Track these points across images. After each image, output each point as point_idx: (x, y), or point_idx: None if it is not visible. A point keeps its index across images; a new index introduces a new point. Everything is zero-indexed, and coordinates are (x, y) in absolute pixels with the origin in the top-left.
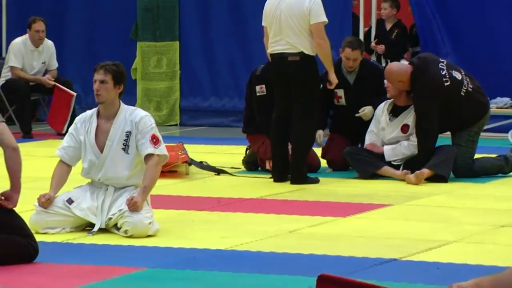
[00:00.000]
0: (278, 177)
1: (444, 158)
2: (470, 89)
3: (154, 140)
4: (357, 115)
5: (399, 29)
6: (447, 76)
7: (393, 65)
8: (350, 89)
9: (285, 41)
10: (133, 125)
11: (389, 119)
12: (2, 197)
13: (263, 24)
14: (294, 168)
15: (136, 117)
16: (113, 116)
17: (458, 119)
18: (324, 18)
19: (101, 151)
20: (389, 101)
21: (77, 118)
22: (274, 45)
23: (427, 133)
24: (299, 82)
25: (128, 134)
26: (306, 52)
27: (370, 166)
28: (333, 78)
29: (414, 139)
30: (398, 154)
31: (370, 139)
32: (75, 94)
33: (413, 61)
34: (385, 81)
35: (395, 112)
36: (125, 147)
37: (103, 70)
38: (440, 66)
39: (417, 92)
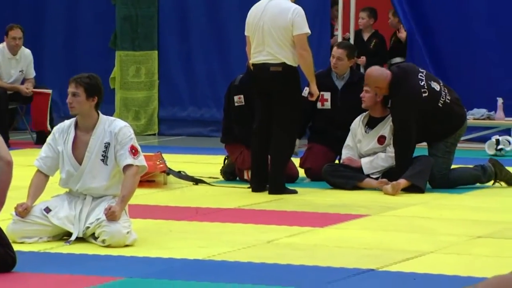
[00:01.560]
0: (256, 187)
1: (421, 169)
2: (448, 101)
3: (133, 151)
4: None
5: (377, 39)
6: (426, 87)
7: (374, 69)
8: (337, 93)
9: (267, 52)
10: (112, 136)
11: (365, 131)
12: None
13: (246, 33)
14: (273, 178)
15: (115, 128)
16: (92, 127)
17: (435, 130)
18: (307, 30)
19: (80, 163)
20: (365, 113)
21: (55, 128)
22: (257, 55)
23: (404, 143)
24: (281, 92)
25: (107, 145)
26: (288, 62)
27: (351, 179)
28: (315, 89)
29: (391, 149)
30: (376, 167)
31: (346, 153)
32: (51, 91)
33: (392, 69)
34: (364, 91)
35: (370, 124)
36: (104, 158)
37: (74, 83)
38: (419, 77)
39: (395, 103)
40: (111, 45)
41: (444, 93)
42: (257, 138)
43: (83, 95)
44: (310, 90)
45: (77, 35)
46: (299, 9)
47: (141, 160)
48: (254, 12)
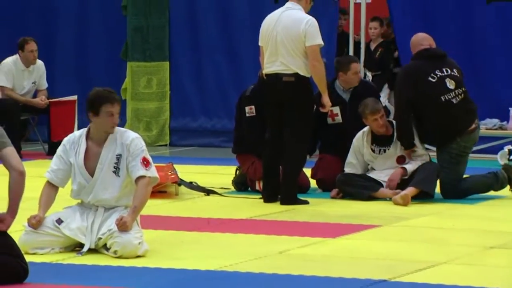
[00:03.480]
0: (268, 198)
1: (426, 174)
2: (454, 102)
3: (145, 163)
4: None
5: (383, 48)
6: (436, 76)
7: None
8: (345, 106)
9: (280, 62)
10: (124, 147)
11: (373, 150)
12: None
13: (259, 43)
14: (285, 189)
15: (127, 139)
16: (104, 139)
17: (429, 127)
18: (319, 41)
19: (91, 175)
20: (366, 130)
21: (65, 139)
22: (270, 65)
23: (398, 120)
24: (293, 103)
25: (119, 157)
26: (301, 73)
27: (366, 189)
28: (327, 101)
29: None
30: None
31: (350, 171)
32: (76, 97)
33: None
34: (379, 118)
35: (376, 141)
36: (116, 170)
37: (116, 103)
38: (438, 67)
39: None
40: (122, 56)
41: (455, 94)
42: (269, 148)
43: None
44: (322, 101)
45: (88, 46)
46: (312, 20)
47: (153, 171)
48: (267, 23)
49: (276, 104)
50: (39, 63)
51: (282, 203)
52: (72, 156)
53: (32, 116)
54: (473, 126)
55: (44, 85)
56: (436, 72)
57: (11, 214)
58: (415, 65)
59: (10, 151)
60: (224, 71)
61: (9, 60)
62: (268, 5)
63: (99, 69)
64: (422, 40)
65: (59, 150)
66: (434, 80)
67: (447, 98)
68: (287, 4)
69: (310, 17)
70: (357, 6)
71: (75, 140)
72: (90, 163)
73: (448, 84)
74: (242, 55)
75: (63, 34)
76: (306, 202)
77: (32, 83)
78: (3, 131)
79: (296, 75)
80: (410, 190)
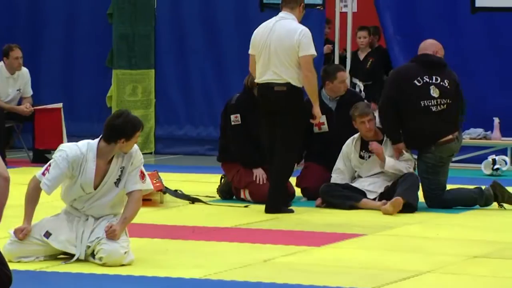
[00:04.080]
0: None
1: (408, 186)
2: (433, 110)
3: (141, 175)
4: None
5: (373, 57)
6: (423, 80)
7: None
8: (332, 115)
9: (273, 71)
10: (127, 159)
11: (361, 156)
12: None
13: (250, 52)
14: (271, 197)
15: (132, 151)
16: (113, 156)
17: (407, 130)
18: (313, 51)
19: (95, 188)
20: (356, 137)
21: (70, 155)
22: (262, 74)
23: (381, 116)
24: (284, 112)
25: (122, 169)
26: (293, 83)
27: (349, 200)
28: (317, 111)
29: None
30: (396, 169)
31: (336, 177)
32: (61, 104)
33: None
34: (367, 121)
35: (366, 147)
36: (117, 182)
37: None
38: (428, 75)
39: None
40: (108, 64)
41: (436, 103)
42: (271, 157)
43: None
44: (313, 112)
45: (74, 54)
46: (305, 31)
47: (148, 184)
48: (260, 32)
49: (269, 113)
50: (24, 70)
51: (267, 212)
52: (76, 172)
53: (17, 123)
54: (450, 137)
55: (29, 92)
56: (424, 77)
57: None
58: (407, 66)
59: None
60: (209, 79)
61: None
62: (254, 14)
63: (85, 77)
64: (428, 46)
65: (63, 166)
66: (419, 84)
67: (426, 104)
68: (281, 14)
69: (304, 27)
70: (343, 15)
71: (80, 157)
72: (96, 179)
73: (431, 92)
74: (227, 63)
75: (49, 42)
76: (291, 211)
77: (17, 90)
78: None
79: (287, 84)
80: (400, 199)
